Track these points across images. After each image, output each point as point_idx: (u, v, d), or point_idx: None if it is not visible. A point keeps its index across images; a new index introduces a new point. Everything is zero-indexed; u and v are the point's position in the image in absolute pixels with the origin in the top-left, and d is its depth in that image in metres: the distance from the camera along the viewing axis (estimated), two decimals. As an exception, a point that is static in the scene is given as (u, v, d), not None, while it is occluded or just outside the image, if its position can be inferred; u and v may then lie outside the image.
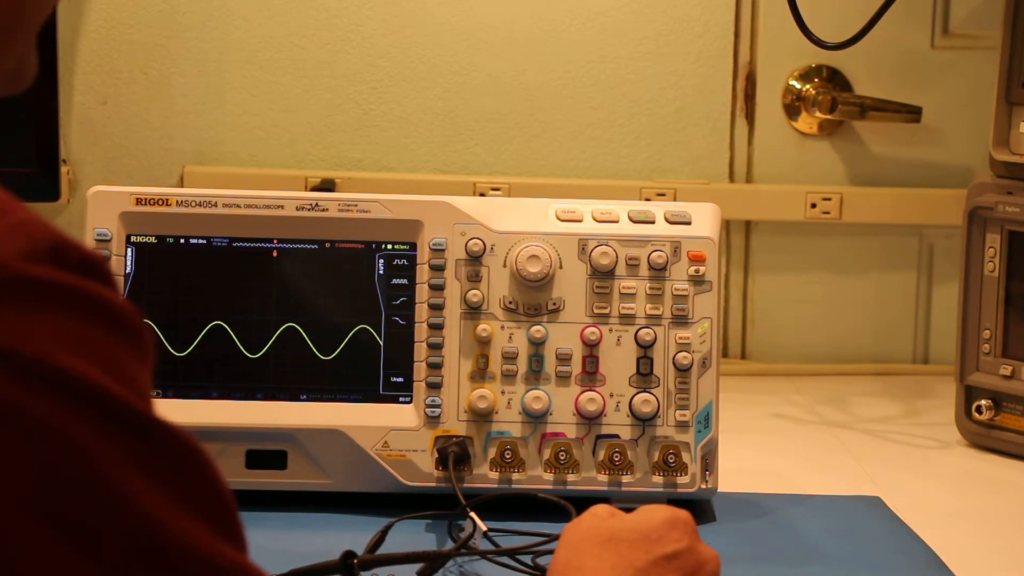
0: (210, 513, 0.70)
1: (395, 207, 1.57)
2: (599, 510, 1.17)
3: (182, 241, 1.57)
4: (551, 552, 1.39)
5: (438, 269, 1.55)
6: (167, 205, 1.56)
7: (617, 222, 1.57)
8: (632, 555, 1.10)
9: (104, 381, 0.66)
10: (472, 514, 1.44)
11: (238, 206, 1.57)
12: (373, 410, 1.55)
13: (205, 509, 0.70)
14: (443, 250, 1.56)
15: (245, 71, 2.17)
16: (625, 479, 1.54)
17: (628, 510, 1.20)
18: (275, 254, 1.57)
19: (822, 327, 2.25)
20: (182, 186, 2.16)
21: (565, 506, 1.45)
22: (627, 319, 1.55)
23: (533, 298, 1.55)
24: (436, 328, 1.55)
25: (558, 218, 1.57)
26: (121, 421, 0.67)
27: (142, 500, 0.67)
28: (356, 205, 1.57)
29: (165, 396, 1.55)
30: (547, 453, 1.54)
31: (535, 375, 1.55)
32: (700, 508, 1.56)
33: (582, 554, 1.11)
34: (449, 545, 1.44)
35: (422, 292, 1.56)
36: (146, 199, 1.56)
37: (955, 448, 1.86)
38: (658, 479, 1.54)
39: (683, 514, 1.16)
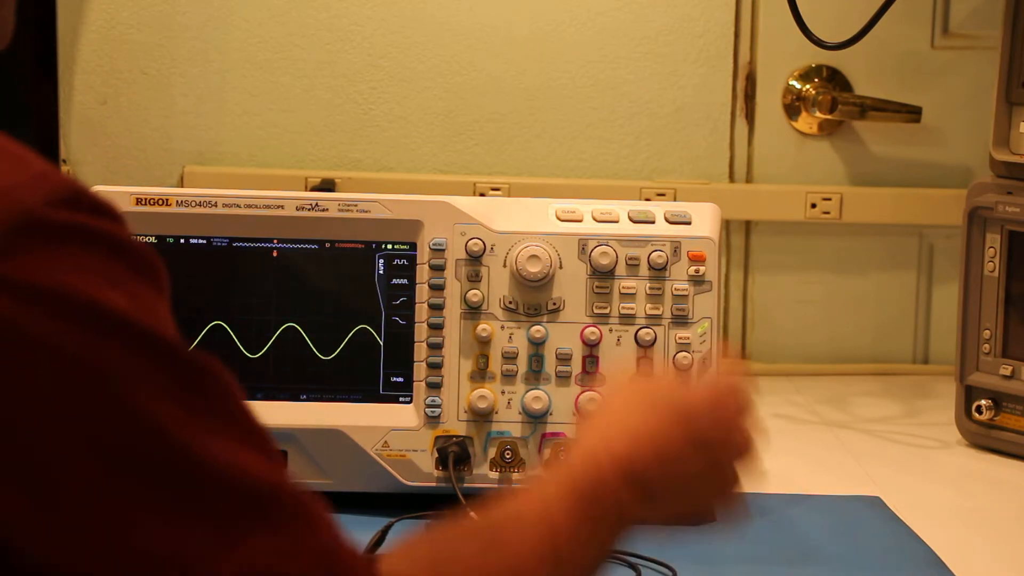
0: (238, 429, 0.75)
1: (395, 207, 1.57)
2: (651, 374, 1.09)
3: (182, 241, 1.57)
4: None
5: (438, 269, 1.55)
6: (167, 205, 1.56)
7: (617, 222, 1.57)
8: (669, 429, 1.02)
9: (129, 309, 0.72)
10: (472, 514, 1.44)
11: (238, 206, 1.57)
12: (373, 410, 1.56)
13: (233, 426, 0.75)
14: (443, 250, 1.56)
15: (245, 71, 2.17)
16: (625, 479, 1.54)
17: None
18: (275, 254, 1.57)
19: (822, 327, 2.25)
20: (182, 186, 2.16)
21: (565, 506, 1.45)
22: (627, 319, 1.55)
23: (533, 298, 1.55)
24: (436, 328, 1.55)
25: (558, 218, 1.57)
26: (147, 346, 0.73)
27: (169, 420, 0.72)
28: (356, 205, 1.57)
29: (165, 396, 1.55)
30: (547, 453, 1.54)
31: (535, 375, 1.55)
32: (700, 508, 1.56)
33: (621, 410, 1.03)
34: (449, 545, 1.44)
35: (422, 292, 1.56)
36: (146, 199, 1.56)
37: (955, 448, 1.86)
38: (658, 479, 1.53)
39: (731, 401, 1.06)
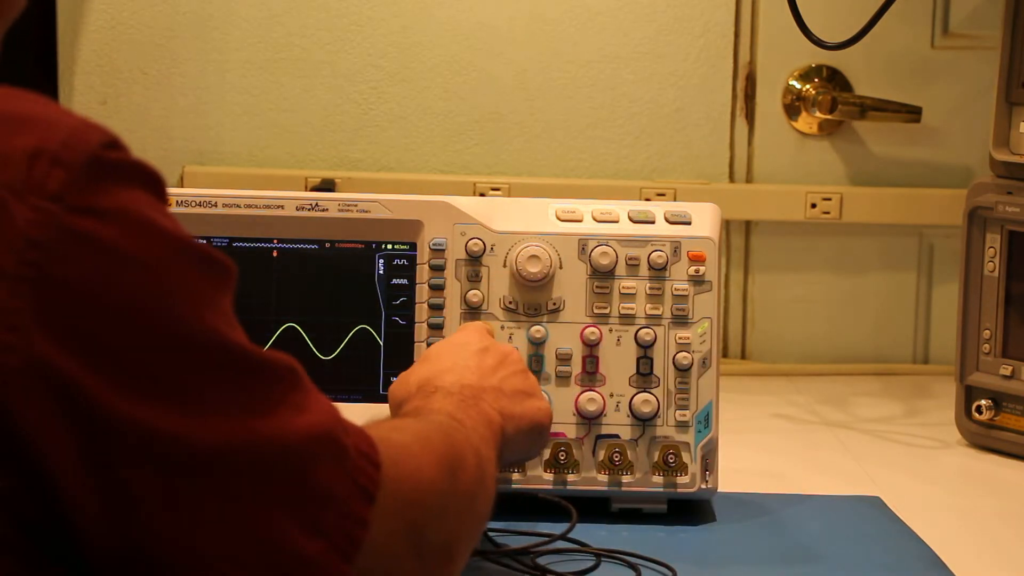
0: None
1: (395, 207, 1.57)
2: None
3: (182, 241, 1.57)
4: (551, 552, 1.40)
5: (438, 269, 1.55)
6: (167, 205, 1.56)
7: (617, 222, 1.57)
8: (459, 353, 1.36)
9: (169, 224, 0.90)
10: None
11: (238, 206, 1.57)
12: (373, 410, 1.55)
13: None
14: (443, 250, 1.56)
15: (245, 71, 2.17)
16: (625, 479, 1.54)
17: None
18: (275, 254, 1.57)
19: (822, 327, 2.25)
20: (182, 186, 2.16)
21: (565, 506, 1.45)
22: (627, 319, 1.55)
23: (533, 298, 1.55)
24: (436, 328, 1.55)
25: (558, 218, 1.57)
26: (183, 249, 0.90)
27: (217, 319, 0.90)
28: (356, 205, 1.57)
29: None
30: (547, 453, 1.54)
31: (535, 375, 1.55)
32: (700, 508, 1.56)
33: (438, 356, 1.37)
34: (449, 545, 1.44)
35: (422, 292, 1.56)
36: (146, 199, 1.56)
37: (955, 448, 1.86)
38: (658, 479, 1.54)
39: (478, 325, 1.46)
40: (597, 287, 1.55)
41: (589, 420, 1.54)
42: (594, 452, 1.54)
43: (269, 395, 0.92)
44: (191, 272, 0.90)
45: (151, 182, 0.91)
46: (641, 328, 1.55)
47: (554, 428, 1.54)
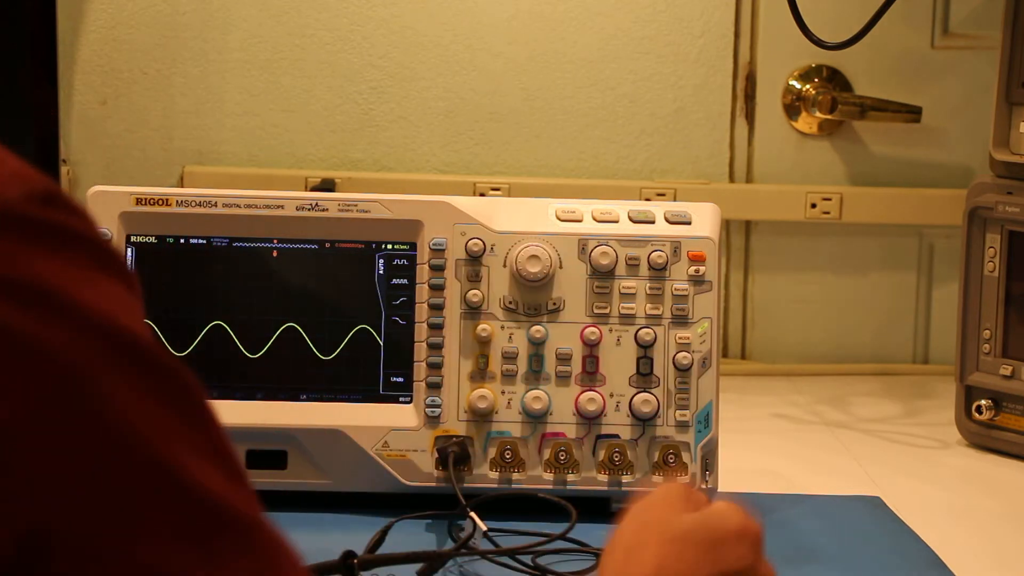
0: (213, 445, 0.73)
1: (395, 207, 1.57)
2: (673, 493, 1.09)
3: (182, 241, 1.57)
4: (551, 552, 1.40)
5: (438, 269, 1.55)
6: (167, 205, 1.56)
7: (617, 222, 1.57)
8: (696, 565, 1.05)
9: (109, 308, 0.70)
10: (472, 514, 1.44)
11: (238, 206, 1.57)
12: (373, 410, 1.55)
13: (209, 442, 0.72)
14: (443, 250, 1.56)
15: (245, 71, 2.17)
16: (625, 479, 1.54)
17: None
18: (275, 254, 1.57)
19: (822, 327, 2.25)
20: (182, 186, 2.16)
21: (565, 506, 1.45)
22: (627, 319, 1.55)
23: (533, 298, 1.55)
24: (436, 328, 1.55)
25: (558, 218, 1.57)
26: (125, 349, 0.70)
27: (151, 431, 0.69)
28: (356, 205, 1.57)
29: (165, 396, 1.55)
30: (547, 453, 1.54)
31: (535, 375, 1.55)
32: (700, 508, 1.56)
33: (643, 545, 1.05)
34: (449, 545, 1.44)
35: (422, 292, 1.56)
36: (146, 199, 1.56)
37: (955, 448, 1.86)
38: (658, 479, 1.54)
39: (754, 527, 1.09)
40: (597, 287, 1.55)
41: (589, 420, 1.54)
42: (594, 452, 1.54)
43: (221, 550, 0.70)
44: (124, 374, 0.70)
45: (86, 244, 0.71)
46: (641, 328, 1.55)
47: (554, 428, 1.54)
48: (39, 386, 0.67)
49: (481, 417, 1.54)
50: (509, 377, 1.55)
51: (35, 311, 0.67)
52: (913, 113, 2.18)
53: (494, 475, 1.54)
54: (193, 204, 1.56)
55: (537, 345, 1.55)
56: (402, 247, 1.57)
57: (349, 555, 1.34)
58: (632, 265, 1.56)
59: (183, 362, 0.72)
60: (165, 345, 0.72)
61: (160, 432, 0.70)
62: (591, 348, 1.55)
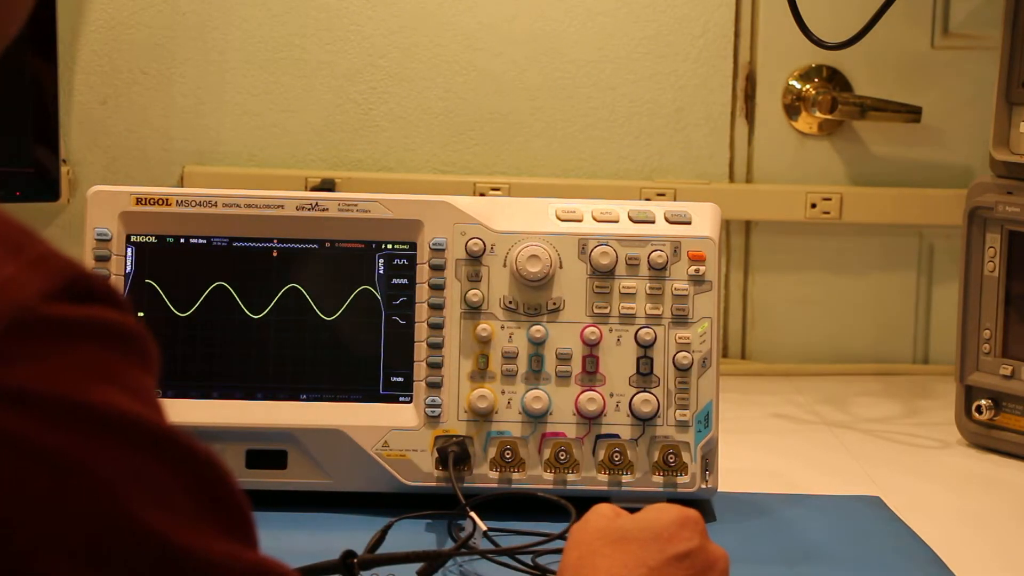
0: (228, 521, 0.74)
1: (395, 207, 1.57)
2: (604, 509, 1.16)
3: (182, 241, 1.57)
4: (551, 552, 1.39)
5: (438, 269, 1.55)
6: (167, 205, 1.56)
7: (617, 222, 1.57)
8: (644, 554, 1.09)
9: (129, 407, 0.69)
10: (472, 514, 1.44)
11: (238, 206, 1.57)
12: (373, 410, 1.55)
13: (223, 518, 0.73)
14: (443, 250, 1.56)
15: (245, 71, 2.17)
16: (625, 479, 1.54)
17: (632, 510, 1.19)
18: (275, 254, 1.57)
19: (822, 327, 2.25)
20: (182, 186, 2.16)
21: (565, 506, 1.45)
22: (627, 319, 1.55)
23: (533, 298, 1.55)
24: (436, 328, 1.55)
25: (558, 218, 1.57)
26: (146, 445, 0.70)
27: (167, 526, 0.70)
28: (356, 205, 1.57)
29: (165, 396, 1.55)
30: (547, 453, 1.54)
31: (535, 375, 1.55)
32: (700, 508, 1.56)
33: (593, 554, 1.10)
34: (449, 545, 1.44)
35: (422, 292, 1.56)
36: (146, 199, 1.56)
37: (955, 448, 1.86)
38: (658, 479, 1.54)
39: (693, 513, 1.15)
40: (597, 287, 1.55)
41: (589, 420, 1.54)
42: (594, 452, 1.54)
43: None
44: (146, 474, 0.70)
45: (111, 336, 0.70)
46: (641, 328, 1.55)
47: (554, 428, 1.54)
48: (52, 492, 0.67)
49: (481, 417, 1.54)
50: (509, 377, 1.55)
51: (54, 424, 0.66)
52: (913, 113, 2.18)
53: (494, 475, 1.54)
54: (193, 204, 1.56)
55: (537, 345, 1.55)
56: (402, 247, 1.57)
57: (349, 555, 1.34)
58: (632, 265, 1.56)
59: (190, 436, 0.72)
60: (168, 421, 0.71)
61: (169, 523, 0.70)
62: (591, 348, 1.55)
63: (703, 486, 1.54)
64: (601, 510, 1.16)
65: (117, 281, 1.55)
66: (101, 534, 0.68)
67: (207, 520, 0.72)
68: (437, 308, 1.55)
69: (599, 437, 1.54)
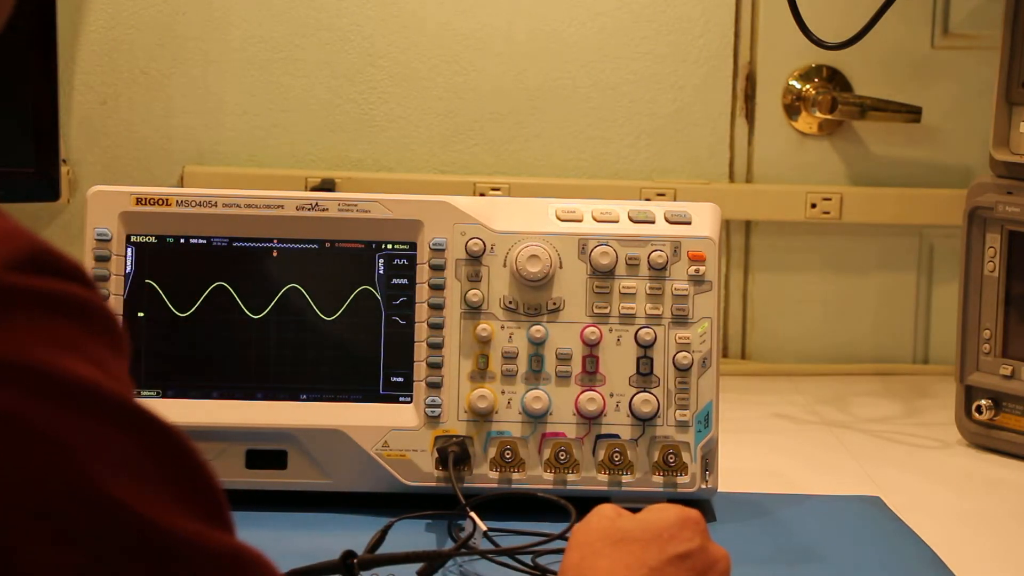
0: (198, 500, 0.74)
1: (395, 207, 1.57)
2: (606, 510, 1.16)
3: (182, 241, 1.57)
4: (551, 552, 1.39)
5: (438, 269, 1.55)
6: (167, 205, 1.56)
7: (617, 222, 1.57)
8: (645, 555, 1.10)
9: (92, 375, 0.69)
10: (472, 514, 1.44)
11: (238, 206, 1.57)
12: (373, 410, 1.55)
13: (193, 497, 0.73)
14: (443, 250, 1.56)
15: (245, 71, 2.17)
16: (625, 479, 1.54)
17: (634, 511, 1.19)
18: (275, 254, 1.57)
19: (822, 327, 2.25)
20: (182, 186, 2.16)
21: (565, 506, 1.45)
22: (627, 319, 1.55)
23: (533, 298, 1.55)
24: (436, 328, 1.55)
25: (558, 218, 1.57)
26: (109, 415, 0.70)
27: (131, 497, 0.70)
28: (356, 205, 1.57)
29: (165, 396, 1.55)
30: (547, 453, 1.54)
31: (535, 375, 1.55)
32: (700, 508, 1.55)
33: (594, 554, 1.11)
34: (449, 545, 1.44)
35: (422, 292, 1.56)
36: (146, 199, 1.56)
37: (955, 448, 1.86)
38: (658, 479, 1.54)
39: (693, 513, 1.15)
40: (597, 287, 1.55)
41: (589, 420, 1.54)
42: (594, 452, 1.54)
43: None
44: (108, 443, 0.69)
45: (74, 309, 0.70)
46: (641, 328, 1.55)
47: (554, 428, 1.54)
48: (19, 459, 0.67)
49: (481, 417, 1.54)
50: (509, 377, 1.55)
51: (14, 388, 0.66)
52: (913, 113, 2.18)
53: (494, 475, 1.54)
54: (193, 204, 1.56)
55: (537, 345, 1.55)
56: (402, 247, 1.57)
57: (349, 555, 1.34)
58: (632, 265, 1.56)
59: (162, 418, 0.72)
60: (140, 401, 0.71)
61: (137, 494, 0.70)
62: (591, 348, 1.55)
63: (703, 486, 1.54)
64: (603, 510, 1.17)
65: (117, 281, 1.55)
66: (62, 501, 0.68)
67: (179, 500, 0.72)
68: (437, 308, 1.55)
69: (599, 437, 1.54)
